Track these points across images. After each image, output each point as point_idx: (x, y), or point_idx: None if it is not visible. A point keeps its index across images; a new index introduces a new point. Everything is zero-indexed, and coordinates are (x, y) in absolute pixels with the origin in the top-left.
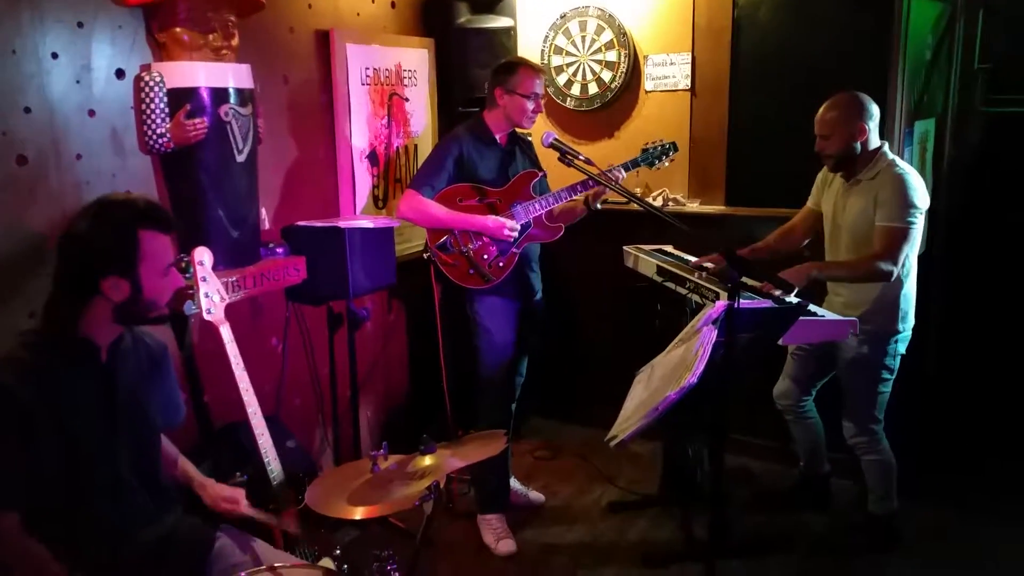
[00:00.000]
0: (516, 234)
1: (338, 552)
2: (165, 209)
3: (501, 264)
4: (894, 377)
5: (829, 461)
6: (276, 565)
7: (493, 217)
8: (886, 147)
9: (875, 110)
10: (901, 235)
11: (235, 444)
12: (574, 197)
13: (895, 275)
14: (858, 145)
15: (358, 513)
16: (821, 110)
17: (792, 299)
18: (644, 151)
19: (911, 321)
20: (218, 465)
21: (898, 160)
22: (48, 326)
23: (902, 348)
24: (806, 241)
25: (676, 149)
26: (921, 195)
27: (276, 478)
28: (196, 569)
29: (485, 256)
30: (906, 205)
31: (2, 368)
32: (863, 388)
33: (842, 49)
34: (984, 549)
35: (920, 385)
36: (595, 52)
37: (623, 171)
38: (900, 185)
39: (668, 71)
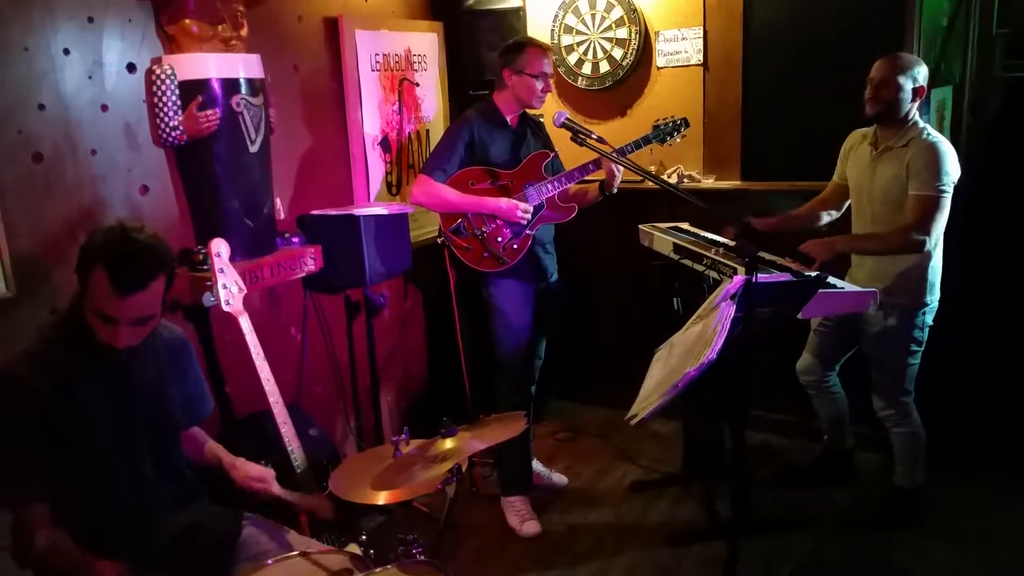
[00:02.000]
0: (529, 216)
1: (364, 537)
2: (143, 270)
3: (515, 246)
4: (923, 349)
5: (853, 435)
6: (305, 551)
7: (506, 199)
8: (918, 115)
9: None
10: (934, 204)
11: (258, 434)
12: (586, 177)
13: (927, 246)
14: (907, 101)
15: (382, 498)
16: (880, 60)
17: (811, 272)
18: (655, 128)
19: (938, 292)
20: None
21: (929, 128)
22: (66, 323)
23: (930, 319)
24: (838, 215)
25: (687, 125)
26: (953, 163)
27: (299, 466)
28: (224, 556)
29: (499, 239)
30: (939, 173)
31: (21, 362)
32: (893, 362)
33: (856, 17)
34: (1008, 529)
35: (941, 364)
36: (605, 30)
37: (633, 149)
38: (933, 153)
39: (680, 46)
